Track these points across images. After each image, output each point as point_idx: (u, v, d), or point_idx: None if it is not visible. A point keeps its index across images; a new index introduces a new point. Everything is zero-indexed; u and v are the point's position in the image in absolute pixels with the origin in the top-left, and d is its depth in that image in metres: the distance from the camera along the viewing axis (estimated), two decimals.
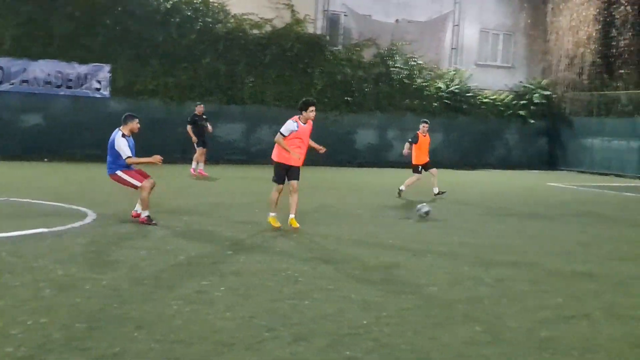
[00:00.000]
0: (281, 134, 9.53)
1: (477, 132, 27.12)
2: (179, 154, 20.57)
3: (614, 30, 27.12)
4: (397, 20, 26.93)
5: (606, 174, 24.76)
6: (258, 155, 23.33)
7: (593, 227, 11.13)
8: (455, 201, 14.29)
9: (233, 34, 22.98)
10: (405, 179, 14.57)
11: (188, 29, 22.16)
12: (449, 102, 26.48)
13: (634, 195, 17.28)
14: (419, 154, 14.86)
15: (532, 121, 27.96)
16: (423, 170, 14.71)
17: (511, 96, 28.38)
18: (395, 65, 25.56)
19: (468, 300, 5.94)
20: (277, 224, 9.39)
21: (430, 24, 27.59)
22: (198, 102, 18.60)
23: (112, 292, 5.70)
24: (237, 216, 10.55)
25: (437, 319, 5.31)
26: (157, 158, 9.40)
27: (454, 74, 27.23)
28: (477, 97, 27.37)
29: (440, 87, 26.57)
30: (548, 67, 29.86)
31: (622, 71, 27.07)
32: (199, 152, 17.09)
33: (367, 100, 25.04)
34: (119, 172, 9.48)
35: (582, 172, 25.95)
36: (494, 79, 29.19)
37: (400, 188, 14.33)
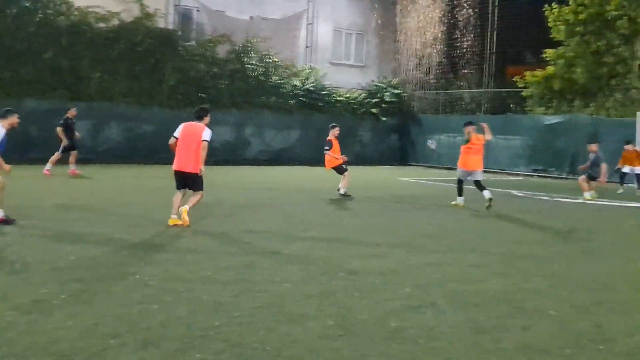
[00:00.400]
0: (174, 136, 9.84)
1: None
2: (17, 154, 19.17)
3: (457, 32, 28.79)
4: (251, 17, 26.86)
5: (452, 169, 26.12)
6: (106, 154, 22.39)
7: (439, 219, 11.68)
8: (311, 197, 14.46)
9: (77, 27, 21.84)
10: (258, 177, 14.53)
11: (26, 20, 20.70)
12: (305, 99, 26.85)
13: (473, 188, 18.36)
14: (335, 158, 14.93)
15: (384, 119, 29.05)
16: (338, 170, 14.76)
17: (364, 94, 29.30)
18: (251, 62, 25.51)
19: (321, 294, 5.96)
20: (177, 222, 9.48)
21: (284, 21, 27.80)
22: (70, 107, 17.82)
23: None
24: (81, 220, 9.96)
25: (290, 316, 5.27)
26: (6, 167, 9.12)
27: (309, 72, 27.65)
28: (332, 95, 27.98)
29: (296, 85, 26.87)
30: (398, 67, 31.15)
31: (465, 71, 28.82)
32: (73, 154, 17.09)
33: (222, 97, 24.77)
34: None
35: (431, 167, 27.31)
36: (348, 77, 30.01)
37: (342, 192, 14.34)
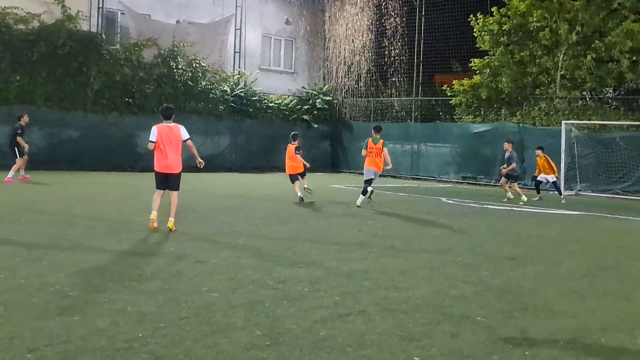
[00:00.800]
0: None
1: (264, 136, 27.57)
2: None
3: (385, 40, 29.17)
4: (177, 21, 26.45)
5: (383, 176, 26.46)
6: (28, 160, 21.51)
7: (369, 226, 11.71)
8: (240, 204, 14.28)
9: None
10: (186, 184, 14.29)
11: None
12: (234, 105, 26.60)
13: (407, 195, 18.66)
14: (291, 163, 15.97)
15: (316, 125, 29.12)
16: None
17: (295, 101, 29.28)
18: (178, 66, 25.07)
19: (249, 304, 5.84)
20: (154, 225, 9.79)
21: (212, 26, 27.47)
22: (22, 114, 17.87)
23: None
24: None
25: (217, 326, 5.14)
26: None
27: (239, 77, 27.43)
28: (263, 101, 27.84)
29: (225, 90, 26.58)
30: (328, 74, 31.30)
31: (394, 79, 29.23)
32: (23, 160, 17.34)
33: (149, 102, 24.22)
34: None
35: (361, 173, 27.40)
36: (278, 83, 29.95)
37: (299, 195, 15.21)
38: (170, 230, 9.80)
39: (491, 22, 24.58)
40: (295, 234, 10.37)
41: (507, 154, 17.68)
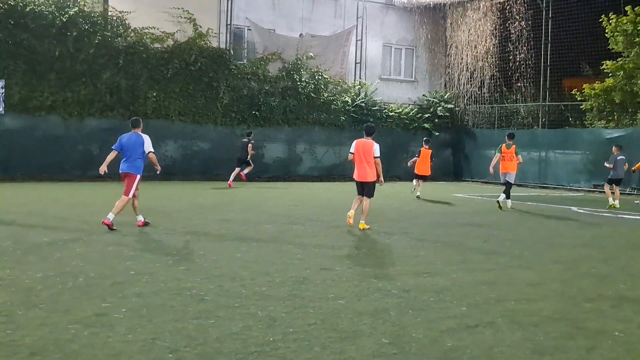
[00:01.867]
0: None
1: (385, 145, 27.49)
2: (78, 171, 19.81)
3: (510, 45, 28.36)
4: (301, 35, 27.12)
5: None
6: (163, 171, 22.85)
7: (495, 236, 11.43)
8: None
9: (134, 47, 22.48)
10: (313, 191, 14.59)
11: (86, 42, 21.41)
12: (355, 115, 26.88)
13: (534, 204, 18.01)
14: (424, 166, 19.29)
15: (437, 133, 28.78)
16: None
17: (415, 109, 29.13)
18: (302, 79, 25.73)
19: (375, 312, 5.90)
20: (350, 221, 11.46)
21: (334, 38, 27.94)
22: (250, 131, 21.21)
23: (4, 317, 5.33)
24: (137, 236, 10.16)
25: (344, 333, 5.22)
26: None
27: (360, 88, 27.70)
28: (383, 111, 27.93)
29: (347, 101, 26.95)
30: (449, 81, 30.88)
31: (520, 84, 28.33)
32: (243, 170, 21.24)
33: (274, 114, 25.06)
34: None
35: (487, 182, 26.84)
36: (398, 92, 29.91)
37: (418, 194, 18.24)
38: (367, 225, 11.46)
39: (625, 21, 23.25)
40: (419, 242, 10.32)
41: (614, 158, 17.56)
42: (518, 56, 28.20)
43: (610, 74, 24.24)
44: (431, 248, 9.81)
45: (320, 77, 26.18)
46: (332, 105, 26.45)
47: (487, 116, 29.59)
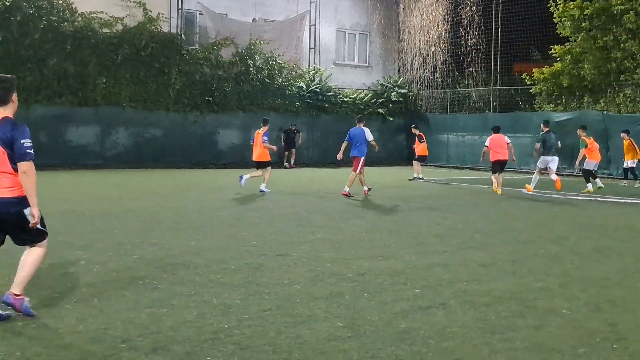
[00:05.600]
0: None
1: (340, 131, 27.58)
2: None
3: (461, 30, 28.66)
4: (254, 19, 26.88)
5: (461, 168, 26.11)
6: (114, 159, 22.52)
7: (448, 219, 11.61)
8: (319, 198, 14.44)
9: (81, 32, 21.91)
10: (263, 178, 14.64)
11: (31, 27, 20.78)
12: (310, 101, 26.84)
13: (486, 186, 18.30)
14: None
15: (391, 119, 28.97)
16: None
17: (370, 95, 29.23)
18: (256, 64, 25.52)
19: (330, 296, 5.94)
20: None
21: (287, 23, 27.78)
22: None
23: None
24: (89, 225, 9.97)
25: (299, 318, 5.25)
26: None
27: (314, 73, 27.64)
28: (338, 96, 27.94)
29: (301, 87, 26.86)
30: (403, 66, 31.06)
31: (471, 69, 28.69)
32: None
33: (228, 100, 24.81)
34: None
35: (440, 166, 27.17)
36: (353, 78, 29.96)
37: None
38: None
39: (572, 7, 23.74)
40: (373, 227, 10.39)
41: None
42: (469, 41, 28.52)
43: (558, 59, 24.75)
44: (386, 232, 9.89)
45: (274, 63, 26.00)
46: (287, 91, 26.34)
47: (440, 101, 29.91)
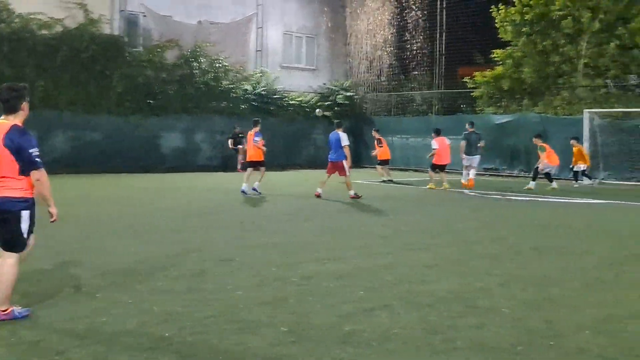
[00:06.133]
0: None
1: (286, 133, 27.63)
2: None
3: (407, 34, 29.03)
4: (199, 22, 26.58)
5: (406, 170, 26.39)
6: (53, 164, 21.84)
7: (394, 220, 11.71)
8: (264, 203, 14.37)
9: (18, 34, 21.21)
10: (213, 183, 14.44)
11: None
12: (256, 104, 26.70)
13: (428, 189, 18.56)
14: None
15: (337, 121, 28.97)
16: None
17: (316, 97, 29.30)
18: (201, 67, 25.22)
19: (275, 300, 5.89)
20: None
21: (233, 25, 27.60)
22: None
23: None
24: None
25: (243, 323, 5.19)
26: None
27: (260, 76, 27.52)
28: (284, 99, 27.89)
29: (247, 89, 26.69)
30: (350, 69, 31.25)
31: (416, 73, 29.09)
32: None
33: (171, 103, 24.43)
34: None
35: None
36: (300, 80, 29.97)
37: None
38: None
39: (513, 12, 24.33)
40: (320, 230, 10.40)
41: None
42: (415, 45, 28.91)
43: (499, 62, 25.32)
44: (332, 234, 9.90)
45: (220, 65, 25.73)
46: (232, 94, 26.11)
47: (385, 104, 30.20)
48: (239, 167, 24.81)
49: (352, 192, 14.92)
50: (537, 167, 18.38)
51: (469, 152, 18.64)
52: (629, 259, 8.13)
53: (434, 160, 18.56)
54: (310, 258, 7.92)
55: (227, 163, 24.99)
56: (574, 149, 19.27)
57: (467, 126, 19.20)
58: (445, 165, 18.64)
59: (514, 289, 6.47)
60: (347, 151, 14.99)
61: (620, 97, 22.38)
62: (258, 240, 9.19)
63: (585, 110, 21.07)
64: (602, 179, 20.70)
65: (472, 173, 18.63)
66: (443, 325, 5.20)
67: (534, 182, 18.14)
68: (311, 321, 5.27)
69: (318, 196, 14.97)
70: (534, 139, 18.98)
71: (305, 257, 8.01)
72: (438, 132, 18.90)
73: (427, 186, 18.46)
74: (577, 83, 23.39)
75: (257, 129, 16.13)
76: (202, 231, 10.00)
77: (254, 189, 15.60)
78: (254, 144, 16.03)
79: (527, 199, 15.91)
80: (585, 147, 20.23)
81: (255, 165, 16.17)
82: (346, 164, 15.02)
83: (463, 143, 18.78)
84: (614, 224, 11.51)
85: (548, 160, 18.27)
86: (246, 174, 16.11)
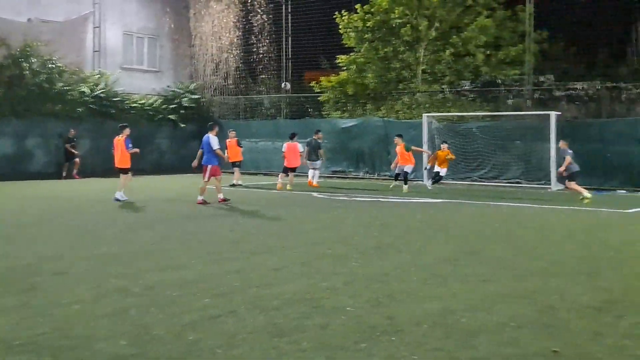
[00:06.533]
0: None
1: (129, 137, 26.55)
2: None
3: (253, 37, 29.05)
4: (29, 19, 24.82)
5: (255, 174, 26.37)
6: None
7: (242, 225, 11.62)
8: (105, 211, 13.70)
9: None
10: (47, 191, 13.53)
11: None
12: (95, 107, 25.38)
13: (279, 191, 18.71)
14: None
15: (183, 125, 28.33)
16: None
17: (160, 100, 28.44)
18: (32, 67, 23.52)
19: (114, 313, 5.59)
20: None
21: (68, 24, 26.06)
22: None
23: None
24: None
25: (78, 339, 4.85)
26: None
27: (99, 77, 26.21)
28: (126, 102, 26.77)
29: (84, 92, 25.27)
30: (195, 72, 30.69)
31: (264, 76, 29.20)
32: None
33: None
34: None
35: (233, 172, 27.12)
36: (142, 83, 28.97)
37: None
38: None
39: (355, 19, 25.14)
40: (164, 237, 10.06)
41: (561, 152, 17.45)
42: (261, 49, 29.01)
43: (344, 68, 26.09)
44: (178, 241, 9.62)
45: (53, 66, 24.15)
46: (68, 96, 24.59)
47: (233, 107, 30.02)
48: (74, 172, 23.49)
49: (200, 198, 14.78)
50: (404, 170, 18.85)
51: (310, 156, 20.29)
52: (463, 255, 8.62)
53: (285, 163, 19.51)
54: (153, 267, 7.63)
55: (63, 169, 23.55)
56: (397, 147, 19.43)
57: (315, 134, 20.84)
58: (295, 168, 19.51)
59: (358, 287, 6.62)
60: (219, 153, 15.04)
61: (455, 102, 23.89)
62: (96, 251, 8.71)
63: (424, 115, 22.27)
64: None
65: (315, 175, 20.27)
66: (289, 327, 5.19)
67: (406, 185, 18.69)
68: (153, 332, 5.05)
69: (223, 201, 14.86)
70: (395, 139, 19.47)
71: (147, 266, 7.69)
72: (292, 137, 19.87)
73: (277, 187, 19.01)
74: (417, 88, 24.66)
75: (126, 133, 15.90)
76: (34, 243, 9.31)
77: (117, 198, 15.13)
78: (127, 150, 15.72)
79: (371, 199, 16.48)
80: (425, 149, 21.30)
81: (123, 172, 15.89)
82: (209, 170, 14.92)
83: (306, 148, 20.18)
84: (449, 222, 12.19)
85: (406, 160, 18.86)
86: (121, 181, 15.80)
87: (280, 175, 19.80)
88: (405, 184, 18.72)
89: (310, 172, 20.50)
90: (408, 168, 18.97)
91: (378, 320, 5.39)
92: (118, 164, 15.96)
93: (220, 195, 15.00)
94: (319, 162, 20.49)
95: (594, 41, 22.68)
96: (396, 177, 19.30)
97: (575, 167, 16.10)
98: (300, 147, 19.70)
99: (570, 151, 16.28)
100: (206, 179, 14.87)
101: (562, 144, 16.93)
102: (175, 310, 5.69)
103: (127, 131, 16.02)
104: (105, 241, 9.54)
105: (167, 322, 5.34)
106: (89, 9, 26.97)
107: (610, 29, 21.42)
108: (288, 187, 18.93)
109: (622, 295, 6.37)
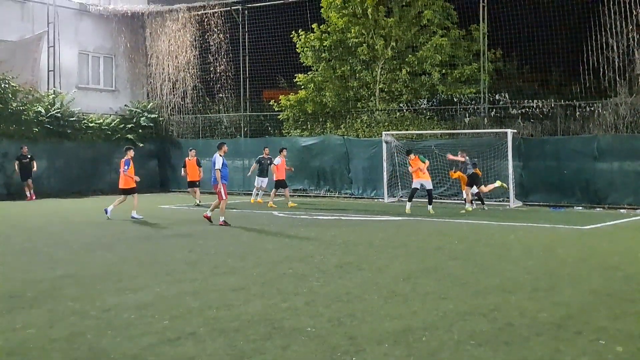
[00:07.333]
0: None
1: (85, 158, 26.16)
2: None
3: (210, 56, 28.95)
4: None
5: (214, 193, 26.10)
6: None
7: (201, 245, 11.48)
8: (59, 232, 13.41)
9: None
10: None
11: None
12: (51, 127, 24.93)
13: (239, 211, 18.59)
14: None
15: (141, 144, 27.97)
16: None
17: (118, 120, 28.09)
18: None
19: (70, 337, 5.49)
20: None
21: (22, 43, 25.59)
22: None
23: None
24: None
25: None
26: None
27: (54, 97, 25.78)
28: (83, 122, 26.36)
29: (40, 112, 24.82)
30: (152, 91, 30.40)
31: (222, 95, 29.09)
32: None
33: None
34: None
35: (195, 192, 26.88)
36: (99, 102, 28.59)
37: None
38: None
39: (312, 38, 25.28)
40: (122, 259, 9.89)
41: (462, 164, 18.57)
42: (218, 67, 28.91)
43: (302, 86, 26.18)
44: (135, 263, 9.47)
45: (7, 85, 23.67)
46: (23, 116, 24.12)
47: (192, 126, 29.79)
48: (28, 194, 22.90)
49: (222, 218, 14.63)
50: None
51: (260, 174, 21.27)
52: (423, 272, 8.67)
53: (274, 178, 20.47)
54: (110, 289, 7.49)
55: (25, 190, 23.00)
56: (411, 164, 18.79)
57: (263, 150, 21.84)
58: (284, 182, 20.33)
59: (319, 307, 6.60)
60: (217, 175, 14.80)
61: (413, 120, 24.15)
62: (52, 273, 8.52)
63: (384, 132, 22.47)
64: (401, 196, 22.08)
65: (260, 194, 21.44)
66: (249, 349, 5.15)
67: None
68: (111, 356, 4.96)
69: (223, 224, 14.54)
70: (413, 156, 18.35)
71: (104, 288, 7.55)
72: (280, 151, 20.82)
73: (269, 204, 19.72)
74: (375, 107, 24.88)
75: (130, 155, 16.23)
76: None
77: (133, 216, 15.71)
78: (123, 173, 16.14)
79: (332, 218, 16.50)
80: (385, 167, 21.43)
81: (127, 192, 16.21)
82: (215, 188, 15.04)
83: (255, 165, 21.31)
84: (410, 240, 12.26)
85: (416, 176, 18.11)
86: (119, 202, 16.18)
87: (273, 191, 20.54)
88: (430, 203, 17.91)
89: (255, 191, 21.49)
90: (428, 184, 17.99)
91: (339, 340, 5.38)
92: (122, 185, 16.31)
93: (208, 213, 15.09)
94: (266, 180, 21.31)
95: (547, 60, 23.21)
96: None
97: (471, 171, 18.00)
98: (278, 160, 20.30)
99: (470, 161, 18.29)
100: (224, 197, 14.86)
101: (460, 155, 18.41)
102: (132, 333, 5.60)
103: (130, 153, 16.31)
104: (61, 263, 9.35)
105: (124, 345, 5.26)
106: (43, 28, 26.54)
107: (564, 48, 21.95)
108: (270, 203, 19.60)
109: (579, 311, 6.47)
